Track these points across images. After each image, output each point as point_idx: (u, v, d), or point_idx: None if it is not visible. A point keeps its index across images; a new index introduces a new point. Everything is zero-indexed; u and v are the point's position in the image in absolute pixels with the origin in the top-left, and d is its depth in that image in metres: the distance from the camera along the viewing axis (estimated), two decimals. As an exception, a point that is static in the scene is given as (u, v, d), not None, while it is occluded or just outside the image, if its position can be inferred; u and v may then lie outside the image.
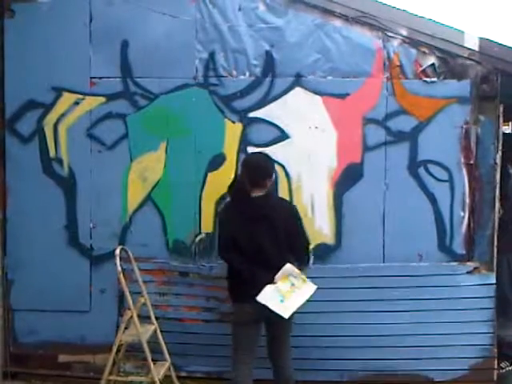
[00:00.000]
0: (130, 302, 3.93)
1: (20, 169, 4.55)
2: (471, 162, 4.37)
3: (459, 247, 4.42)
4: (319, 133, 4.41)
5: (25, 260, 4.58)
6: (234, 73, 4.41)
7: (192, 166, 4.45)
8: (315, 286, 3.73)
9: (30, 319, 4.60)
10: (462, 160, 4.38)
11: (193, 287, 4.48)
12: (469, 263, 4.40)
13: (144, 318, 4.13)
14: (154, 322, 4.17)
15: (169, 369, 4.20)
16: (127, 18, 4.42)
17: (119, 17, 4.43)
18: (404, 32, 4.32)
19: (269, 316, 3.64)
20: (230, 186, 3.80)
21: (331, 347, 4.39)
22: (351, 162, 4.41)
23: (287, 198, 4.32)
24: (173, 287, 4.50)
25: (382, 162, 4.40)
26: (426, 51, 4.34)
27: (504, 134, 4.59)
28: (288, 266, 3.68)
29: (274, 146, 4.34)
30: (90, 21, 4.45)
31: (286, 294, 3.63)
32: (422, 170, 4.40)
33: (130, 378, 4.21)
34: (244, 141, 4.42)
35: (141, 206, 4.51)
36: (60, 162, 4.54)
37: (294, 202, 4.29)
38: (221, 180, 4.43)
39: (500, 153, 4.39)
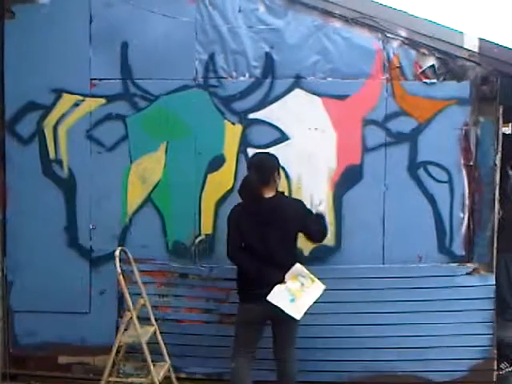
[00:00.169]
0: (130, 303, 3.93)
1: (20, 170, 4.55)
2: (471, 163, 4.38)
3: (459, 248, 4.42)
4: (319, 134, 4.41)
5: (24, 261, 4.58)
6: (234, 74, 4.42)
7: (192, 168, 4.45)
8: (324, 286, 3.76)
9: (30, 320, 4.60)
10: (462, 161, 4.38)
11: (192, 289, 4.48)
12: (468, 264, 4.40)
13: (144, 320, 4.12)
14: (154, 323, 4.17)
15: (168, 370, 4.20)
16: (127, 19, 4.42)
17: (119, 18, 4.43)
18: (404, 33, 4.33)
19: (275, 316, 3.68)
20: (241, 189, 3.79)
21: (330, 348, 4.39)
22: (351, 164, 4.41)
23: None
24: (172, 288, 4.50)
25: (382, 164, 4.40)
26: (426, 52, 4.34)
27: (503, 135, 4.59)
28: (297, 266, 3.73)
29: (274, 147, 4.34)
30: (90, 22, 4.45)
31: (296, 293, 3.67)
32: (421, 172, 4.40)
33: (129, 380, 4.20)
34: (244, 142, 4.43)
35: (140, 207, 4.51)
36: (60, 163, 4.54)
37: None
38: (221, 181, 4.44)
39: (500, 154, 4.39)
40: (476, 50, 4.29)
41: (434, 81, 4.36)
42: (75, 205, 4.54)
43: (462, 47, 4.30)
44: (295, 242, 3.86)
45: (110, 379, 4.05)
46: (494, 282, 4.39)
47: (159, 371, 4.03)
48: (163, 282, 4.50)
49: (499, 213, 4.51)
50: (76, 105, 4.50)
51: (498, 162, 4.39)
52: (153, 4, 4.40)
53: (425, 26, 4.32)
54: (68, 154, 4.54)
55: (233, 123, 4.43)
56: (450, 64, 4.34)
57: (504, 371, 4.64)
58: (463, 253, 4.42)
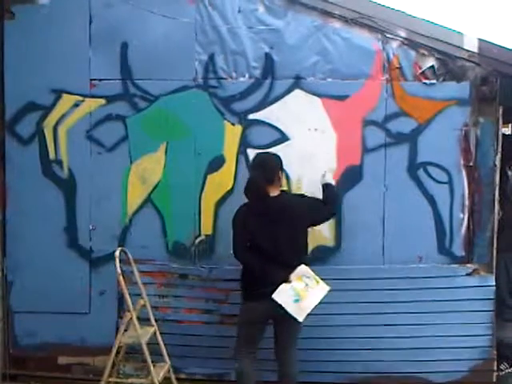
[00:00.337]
0: (130, 303, 3.93)
1: (20, 170, 4.55)
2: (471, 163, 4.38)
3: (459, 249, 4.43)
4: (319, 135, 4.41)
5: (24, 262, 4.58)
6: (234, 75, 4.42)
7: (192, 168, 4.45)
8: (328, 288, 3.79)
9: (30, 321, 4.60)
10: (462, 162, 4.38)
11: (192, 289, 4.48)
12: (468, 265, 4.40)
13: (143, 320, 4.12)
14: (154, 323, 4.17)
15: (168, 371, 4.20)
16: (127, 19, 4.43)
17: (119, 19, 4.43)
18: (403, 34, 4.33)
19: (277, 315, 3.70)
20: (246, 189, 3.80)
21: (331, 349, 4.40)
22: (351, 164, 4.41)
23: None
24: (172, 289, 4.50)
25: (382, 164, 4.40)
26: (426, 53, 4.34)
27: (503, 135, 4.59)
28: (302, 267, 3.76)
29: (274, 147, 4.33)
30: (90, 23, 4.45)
31: (300, 292, 3.69)
32: (421, 172, 4.40)
33: (129, 380, 4.21)
34: (243, 143, 4.43)
35: (140, 207, 4.51)
36: (60, 163, 4.54)
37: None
38: (220, 182, 4.44)
39: (499, 155, 4.39)
40: (476, 50, 4.29)
41: (434, 81, 4.36)
42: (75, 205, 4.54)
43: (461, 48, 4.30)
44: (305, 239, 3.88)
45: (110, 380, 4.05)
46: (494, 283, 4.39)
47: (159, 372, 4.03)
48: (163, 282, 4.50)
49: (499, 213, 4.51)
50: (76, 105, 4.50)
51: (497, 162, 4.39)
52: (152, 4, 4.40)
53: (424, 27, 4.32)
54: (68, 155, 4.54)
55: (232, 124, 4.43)
56: (449, 64, 4.34)
57: (504, 372, 4.64)
58: (463, 253, 4.42)
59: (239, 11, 4.39)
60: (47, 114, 4.52)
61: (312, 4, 4.34)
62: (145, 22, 4.40)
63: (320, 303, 3.76)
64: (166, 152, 4.47)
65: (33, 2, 4.48)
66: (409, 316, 4.37)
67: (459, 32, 4.32)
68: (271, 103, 4.41)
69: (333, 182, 4.15)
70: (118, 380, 4.18)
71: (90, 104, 4.49)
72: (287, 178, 4.38)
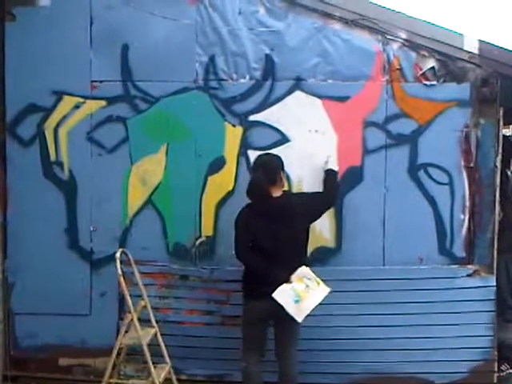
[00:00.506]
0: (131, 305, 3.94)
1: (21, 172, 4.55)
2: (471, 165, 4.38)
3: (459, 250, 4.43)
4: (319, 136, 4.41)
5: (25, 263, 4.58)
6: (234, 76, 4.42)
7: (192, 170, 4.45)
8: (329, 289, 3.81)
9: (31, 323, 4.60)
10: (462, 163, 4.38)
11: (193, 290, 4.48)
12: (469, 266, 4.40)
13: (144, 321, 4.12)
14: (155, 325, 4.17)
15: (169, 372, 4.20)
16: (127, 21, 4.43)
17: (120, 20, 4.44)
18: (404, 35, 4.33)
19: (277, 315, 3.72)
20: (249, 190, 3.83)
21: (331, 350, 4.40)
22: (351, 165, 4.41)
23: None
24: (173, 290, 4.50)
25: (382, 165, 4.40)
26: (426, 54, 4.34)
27: (503, 136, 4.59)
28: (304, 269, 3.78)
29: (275, 149, 4.32)
30: (91, 24, 4.45)
31: (301, 293, 3.71)
32: (422, 173, 4.40)
33: (130, 381, 4.20)
34: (244, 144, 4.43)
35: (141, 209, 4.51)
36: (60, 165, 4.54)
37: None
38: (221, 183, 4.44)
39: (500, 156, 4.40)
40: (476, 51, 4.29)
41: (434, 83, 4.36)
42: (76, 207, 4.55)
43: (462, 49, 4.30)
44: (306, 240, 3.91)
45: (111, 381, 4.05)
46: (495, 284, 4.39)
47: (160, 373, 4.04)
48: (164, 283, 4.50)
49: (500, 214, 4.51)
50: (77, 107, 4.50)
51: (498, 163, 4.39)
52: (153, 6, 4.40)
53: (425, 28, 4.32)
54: (69, 156, 4.54)
55: (233, 125, 4.43)
56: (450, 66, 4.35)
57: (505, 373, 4.65)
58: (464, 254, 4.42)
59: (240, 13, 4.39)
60: (48, 116, 4.52)
61: (312, 6, 4.34)
62: (145, 24, 4.41)
63: (321, 304, 3.77)
64: (166, 153, 4.47)
65: (33, 4, 4.49)
66: (409, 317, 4.37)
67: (460, 33, 4.32)
68: (272, 104, 4.41)
69: (335, 168, 4.21)
70: (119, 381, 4.18)
71: (91, 105, 4.49)
72: (288, 179, 4.37)
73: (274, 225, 3.75)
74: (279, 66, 4.39)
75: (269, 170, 3.83)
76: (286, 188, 4.07)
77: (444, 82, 4.36)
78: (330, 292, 3.81)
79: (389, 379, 4.40)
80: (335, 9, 4.34)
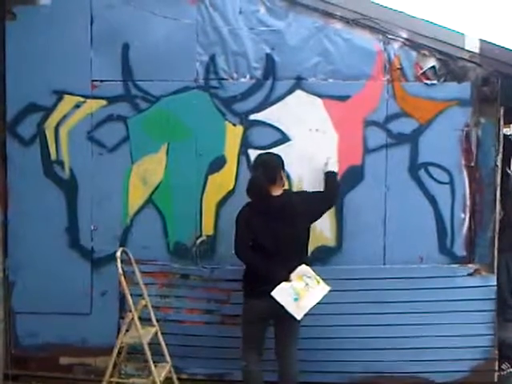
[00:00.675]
0: (131, 304, 3.94)
1: (21, 171, 4.55)
2: (472, 164, 4.38)
3: (460, 249, 4.43)
4: (320, 135, 4.41)
5: (26, 262, 4.58)
6: (235, 75, 4.42)
7: (193, 169, 4.45)
8: (328, 288, 3.81)
9: (31, 322, 4.60)
10: (463, 162, 4.38)
11: (194, 289, 4.49)
12: (469, 265, 4.41)
13: (145, 320, 4.13)
14: (155, 324, 4.18)
15: (170, 371, 4.21)
16: (128, 20, 4.43)
17: (120, 20, 4.43)
18: (404, 34, 4.33)
19: (277, 313, 3.72)
20: (249, 189, 3.83)
21: (331, 349, 4.40)
22: (352, 165, 4.41)
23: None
24: (174, 289, 4.51)
25: (383, 165, 4.40)
26: (427, 53, 4.34)
27: (504, 135, 4.60)
28: (303, 267, 3.79)
29: (275, 148, 4.33)
30: (91, 24, 4.45)
31: (300, 292, 3.71)
32: (422, 173, 4.41)
33: (131, 380, 4.21)
34: (245, 143, 4.43)
35: (142, 208, 4.52)
36: (61, 164, 4.54)
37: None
38: (221, 182, 4.44)
39: (501, 155, 4.40)
40: (477, 51, 4.29)
41: (435, 82, 4.36)
42: (76, 206, 4.55)
43: (462, 48, 4.30)
44: (307, 238, 3.92)
45: (112, 380, 4.06)
46: (495, 283, 4.40)
47: (160, 372, 4.04)
48: (164, 282, 4.50)
49: (500, 213, 4.51)
50: (77, 106, 4.50)
51: (498, 162, 4.39)
52: (154, 6, 4.40)
53: (425, 28, 4.32)
54: (69, 156, 4.54)
55: (234, 124, 4.43)
56: (450, 65, 4.35)
57: (505, 372, 4.65)
58: (464, 254, 4.43)
59: (240, 12, 4.39)
60: (48, 115, 4.52)
61: (313, 5, 4.34)
62: (146, 23, 4.41)
63: (321, 303, 3.77)
64: (167, 153, 4.47)
65: (34, 3, 4.49)
66: (410, 316, 4.37)
67: (460, 33, 4.32)
68: (272, 104, 4.41)
69: (336, 169, 4.22)
70: (120, 380, 4.19)
71: (92, 105, 4.49)
72: (288, 178, 4.37)
73: (274, 223, 3.76)
74: (280, 65, 4.39)
75: (268, 169, 3.84)
76: (286, 187, 4.08)
77: (445, 81, 4.36)
78: (331, 291, 3.81)
79: (389, 378, 4.40)
80: (336, 8, 4.34)
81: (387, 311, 4.38)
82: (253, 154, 4.31)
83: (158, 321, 4.21)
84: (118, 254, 3.97)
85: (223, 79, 4.42)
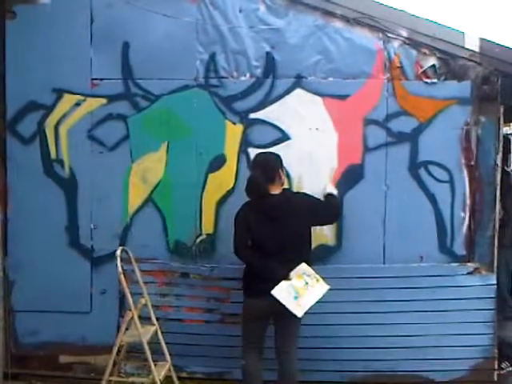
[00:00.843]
0: (131, 302, 3.94)
1: (21, 170, 4.56)
2: (472, 162, 4.38)
3: (460, 248, 4.43)
4: (320, 134, 4.41)
5: (26, 261, 4.59)
6: (235, 74, 4.42)
7: (193, 167, 4.45)
8: (328, 286, 3.82)
9: (31, 320, 4.60)
10: (463, 161, 4.38)
11: (193, 288, 4.49)
12: (469, 264, 4.40)
13: (145, 319, 4.12)
14: (155, 322, 4.17)
15: (169, 369, 4.20)
16: (128, 19, 4.43)
17: (120, 18, 4.43)
18: (404, 33, 4.33)
19: (277, 311, 3.72)
20: (247, 187, 3.83)
21: (331, 348, 4.40)
22: (352, 163, 4.41)
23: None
24: (174, 288, 4.51)
25: (383, 163, 4.40)
26: (427, 52, 4.34)
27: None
28: (303, 266, 3.79)
29: (275, 147, 4.33)
30: (91, 22, 4.45)
31: (300, 290, 3.72)
32: (422, 171, 4.40)
33: (130, 379, 4.21)
34: (245, 142, 4.43)
35: (141, 207, 4.52)
36: (61, 163, 4.54)
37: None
38: (221, 181, 4.44)
39: (501, 154, 4.39)
40: (477, 49, 4.29)
41: (435, 80, 4.36)
42: (76, 204, 4.55)
43: (462, 47, 4.30)
44: (307, 237, 3.90)
45: (111, 378, 4.05)
46: (495, 282, 4.40)
47: (160, 370, 4.04)
48: (164, 281, 4.50)
49: (500, 212, 4.51)
50: (77, 105, 4.50)
51: (498, 161, 4.39)
52: (154, 4, 4.40)
53: (426, 26, 4.32)
54: (69, 154, 4.54)
55: (234, 123, 4.43)
56: (450, 64, 4.34)
57: (505, 371, 4.65)
58: (464, 252, 4.43)
59: (240, 11, 4.39)
60: (48, 114, 4.52)
61: (313, 4, 4.34)
62: (146, 22, 4.41)
63: (321, 302, 3.78)
64: (167, 151, 4.47)
65: (34, 2, 4.49)
66: (409, 315, 4.37)
67: (461, 31, 4.32)
68: (272, 102, 4.41)
69: (335, 192, 4.18)
70: (120, 379, 4.19)
71: (91, 103, 4.49)
72: (288, 177, 4.37)
73: (273, 222, 3.76)
74: (280, 63, 4.39)
75: (267, 168, 3.83)
76: (285, 186, 4.08)
77: (445, 79, 4.36)
78: (331, 290, 3.81)
79: (389, 377, 4.40)
80: (336, 7, 4.34)
81: (387, 310, 4.37)
82: (253, 152, 4.31)
83: (157, 319, 4.21)
84: (118, 252, 3.97)
85: (223, 78, 4.42)
